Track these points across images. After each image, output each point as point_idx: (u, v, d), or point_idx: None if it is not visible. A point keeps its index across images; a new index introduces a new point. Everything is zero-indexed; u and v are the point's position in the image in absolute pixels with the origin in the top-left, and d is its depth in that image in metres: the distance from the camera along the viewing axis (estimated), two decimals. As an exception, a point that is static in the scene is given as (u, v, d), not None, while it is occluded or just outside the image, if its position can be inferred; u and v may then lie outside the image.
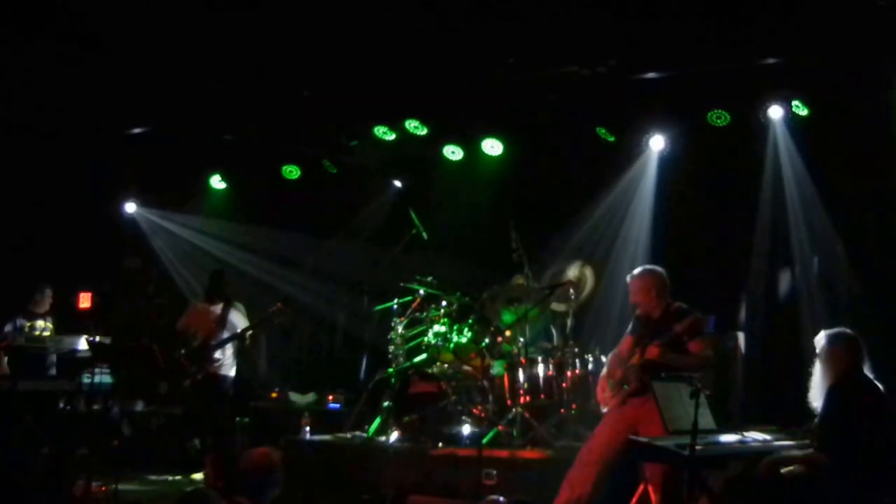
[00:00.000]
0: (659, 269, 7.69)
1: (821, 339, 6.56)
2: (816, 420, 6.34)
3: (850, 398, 6.24)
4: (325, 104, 11.03)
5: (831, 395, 6.29)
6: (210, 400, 10.08)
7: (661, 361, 7.22)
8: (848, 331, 6.57)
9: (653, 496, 7.12)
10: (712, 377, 8.42)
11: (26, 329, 11.59)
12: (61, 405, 10.77)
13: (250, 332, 10.28)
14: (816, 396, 6.44)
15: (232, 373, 10.33)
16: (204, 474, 9.38)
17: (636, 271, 7.73)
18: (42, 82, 10.89)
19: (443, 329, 10.03)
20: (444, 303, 10.17)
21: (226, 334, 10.23)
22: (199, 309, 10.47)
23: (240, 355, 10.49)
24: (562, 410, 9.24)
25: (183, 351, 10.34)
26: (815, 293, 9.58)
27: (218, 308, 10.30)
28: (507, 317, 9.87)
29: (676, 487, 6.87)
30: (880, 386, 6.35)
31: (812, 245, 9.72)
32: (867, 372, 6.41)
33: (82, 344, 11.17)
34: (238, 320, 10.32)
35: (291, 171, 12.73)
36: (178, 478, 9.90)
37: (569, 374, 9.36)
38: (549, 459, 8.43)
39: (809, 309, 9.35)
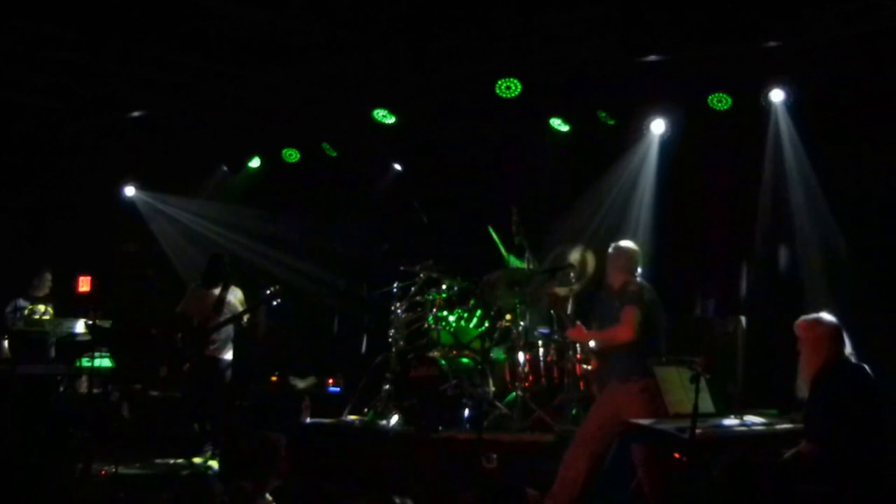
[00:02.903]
0: (627, 246, 7.66)
1: (799, 327, 6.52)
2: (804, 410, 6.33)
3: (834, 385, 6.21)
4: (327, 87, 11.01)
5: (816, 385, 6.26)
6: (208, 383, 10.08)
7: (580, 337, 8.01)
8: (826, 315, 6.54)
9: (644, 480, 7.13)
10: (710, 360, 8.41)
11: (26, 312, 11.59)
12: (61, 389, 10.78)
13: (247, 315, 10.26)
14: (801, 386, 6.41)
15: (229, 356, 10.33)
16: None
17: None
18: (43, 66, 10.87)
19: (443, 313, 10.03)
20: (444, 286, 10.17)
21: (223, 317, 10.22)
22: (196, 292, 10.46)
23: (237, 338, 10.49)
24: (562, 394, 9.25)
25: (181, 334, 10.34)
26: (817, 277, 9.55)
27: (215, 292, 10.28)
28: (508, 300, 9.86)
29: (665, 471, 6.89)
30: (866, 367, 6.33)
31: (813, 229, 9.69)
32: (849, 355, 6.38)
33: (82, 327, 11.17)
34: (235, 304, 10.31)
35: (291, 155, 12.69)
36: (178, 461, 9.88)
37: (569, 357, 9.35)
38: (550, 443, 8.44)
39: (811, 293, 9.32)
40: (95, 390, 10.63)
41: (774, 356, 9.29)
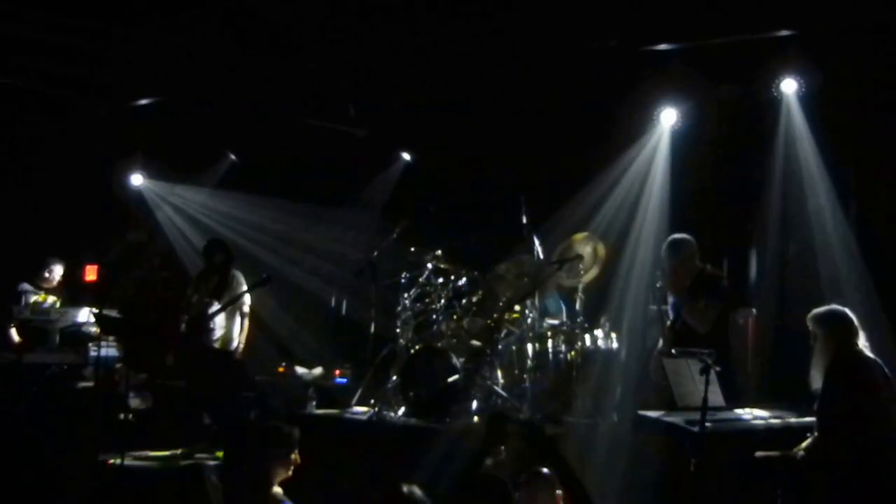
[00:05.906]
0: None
1: (812, 320, 6.48)
2: (816, 403, 6.28)
3: (848, 378, 6.17)
4: (332, 76, 10.97)
5: (828, 378, 6.21)
6: (211, 372, 10.06)
7: None
8: (838, 307, 6.49)
9: None
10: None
11: (32, 302, 11.56)
12: (67, 378, 10.78)
13: (241, 299, 10.23)
14: (815, 378, 6.37)
15: (234, 344, 10.32)
16: None
17: None
18: (48, 52, 10.84)
19: (451, 303, 9.97)
20: (452, 277, 10.10)
21: (222, 303, 10.21)
22: (200, 281, 10.46)
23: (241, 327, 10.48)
24: (571, 386, 9.19)
25: (185, 323, 10.34)
26: (827, 270, 9.49)
27: (214, 279, 10.29)
28: (516, 291, 9.80)
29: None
30: (878, 360, 6.28)
31: (823, 220, 9.62)
32: (863, 347, 6.32)
33: (88, 317, 11.15)
34: (236, 291, 10.29)
35: (299, 144, 12.64)
36: (178, 452, 9.86)
37: (578, 349, 9.30)
38: (558, 435, 8.39)
39: (821, 285, 9.26)
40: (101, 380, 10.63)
41: (784, 349, 9.25)
